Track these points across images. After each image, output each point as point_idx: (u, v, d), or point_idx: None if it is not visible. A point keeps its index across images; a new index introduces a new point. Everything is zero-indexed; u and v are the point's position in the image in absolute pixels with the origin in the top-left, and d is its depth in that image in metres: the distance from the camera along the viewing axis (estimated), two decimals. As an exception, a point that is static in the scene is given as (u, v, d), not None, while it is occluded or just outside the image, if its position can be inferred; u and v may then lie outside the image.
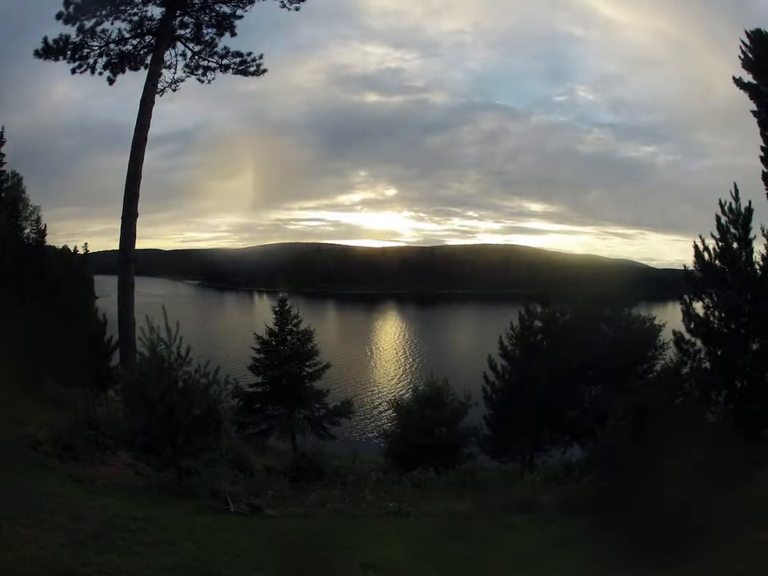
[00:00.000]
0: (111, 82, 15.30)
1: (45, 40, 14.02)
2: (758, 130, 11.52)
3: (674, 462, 8.38)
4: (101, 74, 15.04)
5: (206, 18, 15.42)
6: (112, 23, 14.60)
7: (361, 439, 21.45)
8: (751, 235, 10.34)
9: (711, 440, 10.70)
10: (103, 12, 14.32)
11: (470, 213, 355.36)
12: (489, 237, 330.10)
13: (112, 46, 14.82)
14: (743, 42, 11.46)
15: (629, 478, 8.16)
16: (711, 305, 10.62)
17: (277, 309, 18.20)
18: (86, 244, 19.85)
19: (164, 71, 15.27)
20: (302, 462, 11.51)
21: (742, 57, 11.44)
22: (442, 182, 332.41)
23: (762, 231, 10.27)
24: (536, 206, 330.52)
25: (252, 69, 15.79)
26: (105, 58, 14.90)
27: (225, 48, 15.58)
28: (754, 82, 11.45)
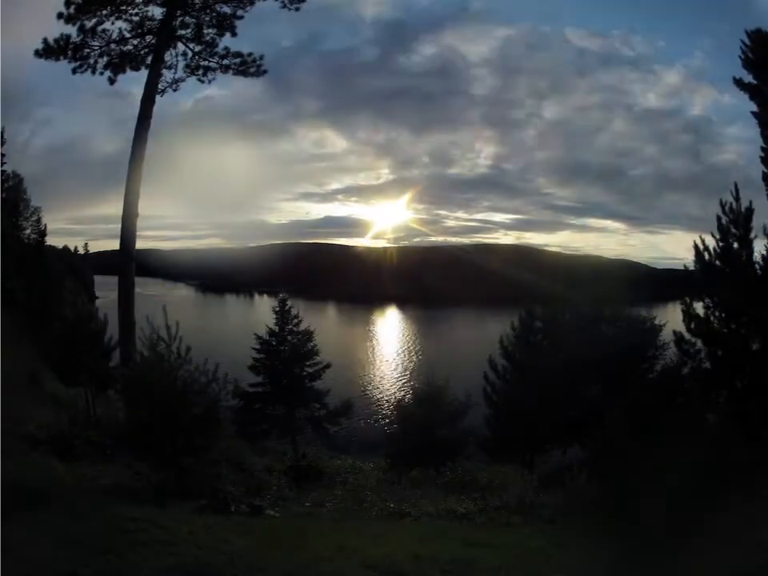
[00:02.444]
0: (112, 81, 15.32)
1: (45, 40, 14.03)
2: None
3: (674, 463, 8.38)
4: (101, 73, 15.06)
5: (207, 19, 15.41)
6: (113, 23, 14.62)
7: (361, 439, 21.45)
8: (752, 235, 10.35)
9: (711, 440, 10.72)
10: (104, 12, 14.33)
11: (480, 200, 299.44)
12: (498, 233, 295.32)
13: (113, 45, 14.83)
14: (743, 41, 11.46)
15: (629, 479, 8.15)
16: (711, 305, 10.62)
17: (277, 309, 18.20)
18: (86, 244, 19.89)
19: (164, 71, 15.28)
20: (302, 462, 11.53)
21: (742, 57, 11.44)
22: (442, 148, 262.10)
23: (765, 230, 10.27)
24: (559, 191, 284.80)
25: (252, 69, 15.79)
26: (106, 58, 14.91)
27: (225, 48, 15.58)
28: (754, 82, 11.45)
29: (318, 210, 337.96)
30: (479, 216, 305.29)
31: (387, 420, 17.07)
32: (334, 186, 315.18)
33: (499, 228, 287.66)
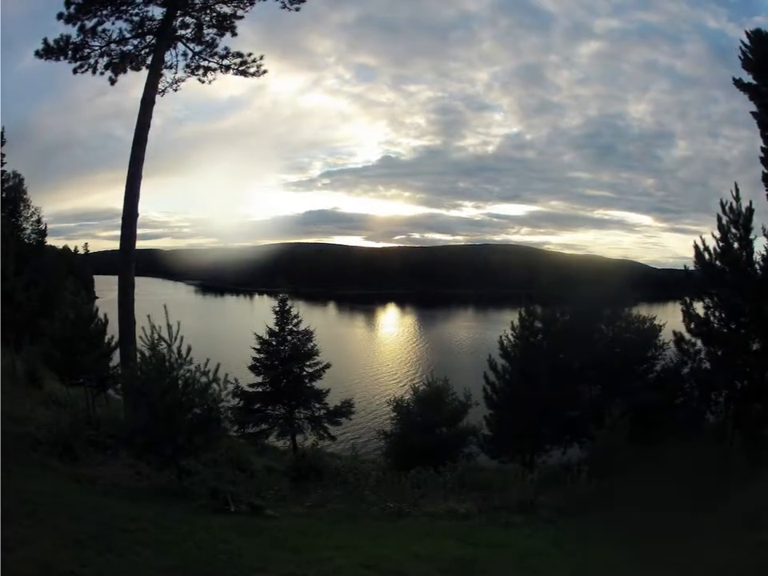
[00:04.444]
0: (113, 82, 15.32)
1: (45, 40, 14.02)
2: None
3: (674, 463, 8.38)
4: (102, 73, 15.03)
5: (207, 19, 15.40)
6: (113, 23, 14.61)
7: (361, 439, 21.44)
8: (752, 235, 10.36)
9: (711, 440, 10.73)
10: (104, 12, 14.32)
11: (491, 185, 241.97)
12: (509, 231, 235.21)
13: (113, 45, 14.82)
14: (743, 42, 11.47)
15: (629, 479, 8.16)
16: (711, 305, 10.63)
17: (277, 309, 18.22)
18: (86, 244, 19.91)
19: (165, 71, 15.27)
20: (302, 462, 11.51)
21: (742, 57, 11.45)
22: (445, 103, 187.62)
23: (763, 231, 10.28)
24: (586, 174, 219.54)
25: (252, 69, 15.78)
26: (106, 58, 14.90)
27: (225, 48, 15.57)
28: (754, 82, 11.45)
29: (298, 202, 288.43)
30: (489, 209, 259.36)
31: (388, 420, 17.06)
32: (313, 171, 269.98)
33: (513, 223, 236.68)
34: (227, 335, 44.73)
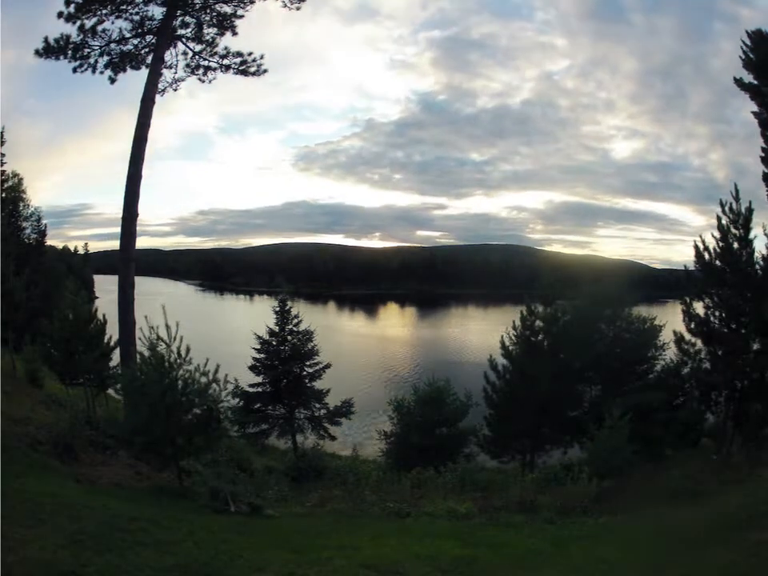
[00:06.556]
0: (113, 81, 15.33)
1: (45, 39, 14.02)
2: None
3: (674, 462, 8.39)
4: (102, 73, 15.04)
5: (207, 18, 15.40)
6: (113, 22, 14.61)
7: (361, 439, 21.42)
8: (751, 235, 10.36)
9: (711, 440, 10.73)
10: (104, 11, 14.32)
11: (506, 159, 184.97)
12: (523, 228, 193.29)
13: (113, 45, 14.81)
14: (743, 42, 11.47)
15: (629, 479, 8.16)
16: (712, 305, 10.64)
17: (277, 309, 18.21)
18: (86, 244, 19.90)
19: (165, 71, 15.26)
20: (302, 462, 11.53)
21: (743, 57, 11.45)
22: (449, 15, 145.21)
23: (764, 230, 10.29)
24: (637, 141, 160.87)
25: (252, 69, 15.77)
26: (106, 58, 14.90)
27: (225, 48, 15.57)
28: (755, 82, 11.45)
29: (269, 189, 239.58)
30: (500, 197, 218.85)
31: (388, 420, 17.04)
32: (276, 150, 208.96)
33: (526, 217, 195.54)
34: (228, 335, 44.72)
